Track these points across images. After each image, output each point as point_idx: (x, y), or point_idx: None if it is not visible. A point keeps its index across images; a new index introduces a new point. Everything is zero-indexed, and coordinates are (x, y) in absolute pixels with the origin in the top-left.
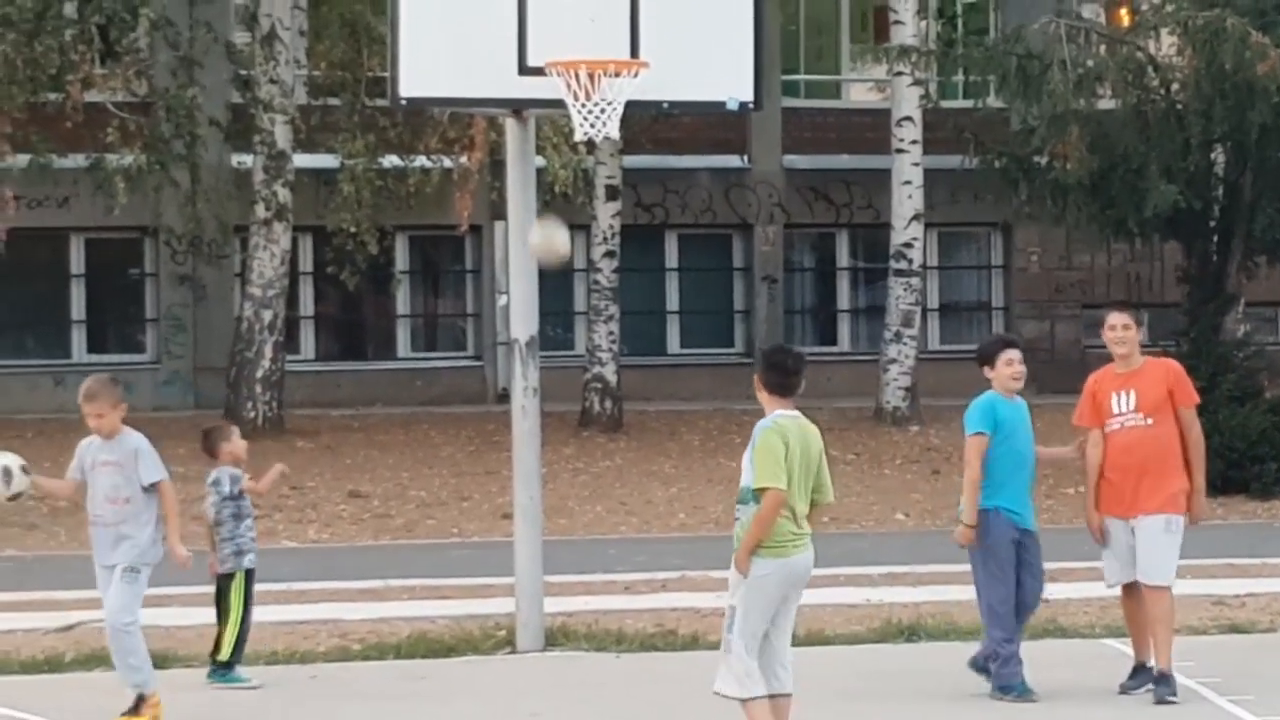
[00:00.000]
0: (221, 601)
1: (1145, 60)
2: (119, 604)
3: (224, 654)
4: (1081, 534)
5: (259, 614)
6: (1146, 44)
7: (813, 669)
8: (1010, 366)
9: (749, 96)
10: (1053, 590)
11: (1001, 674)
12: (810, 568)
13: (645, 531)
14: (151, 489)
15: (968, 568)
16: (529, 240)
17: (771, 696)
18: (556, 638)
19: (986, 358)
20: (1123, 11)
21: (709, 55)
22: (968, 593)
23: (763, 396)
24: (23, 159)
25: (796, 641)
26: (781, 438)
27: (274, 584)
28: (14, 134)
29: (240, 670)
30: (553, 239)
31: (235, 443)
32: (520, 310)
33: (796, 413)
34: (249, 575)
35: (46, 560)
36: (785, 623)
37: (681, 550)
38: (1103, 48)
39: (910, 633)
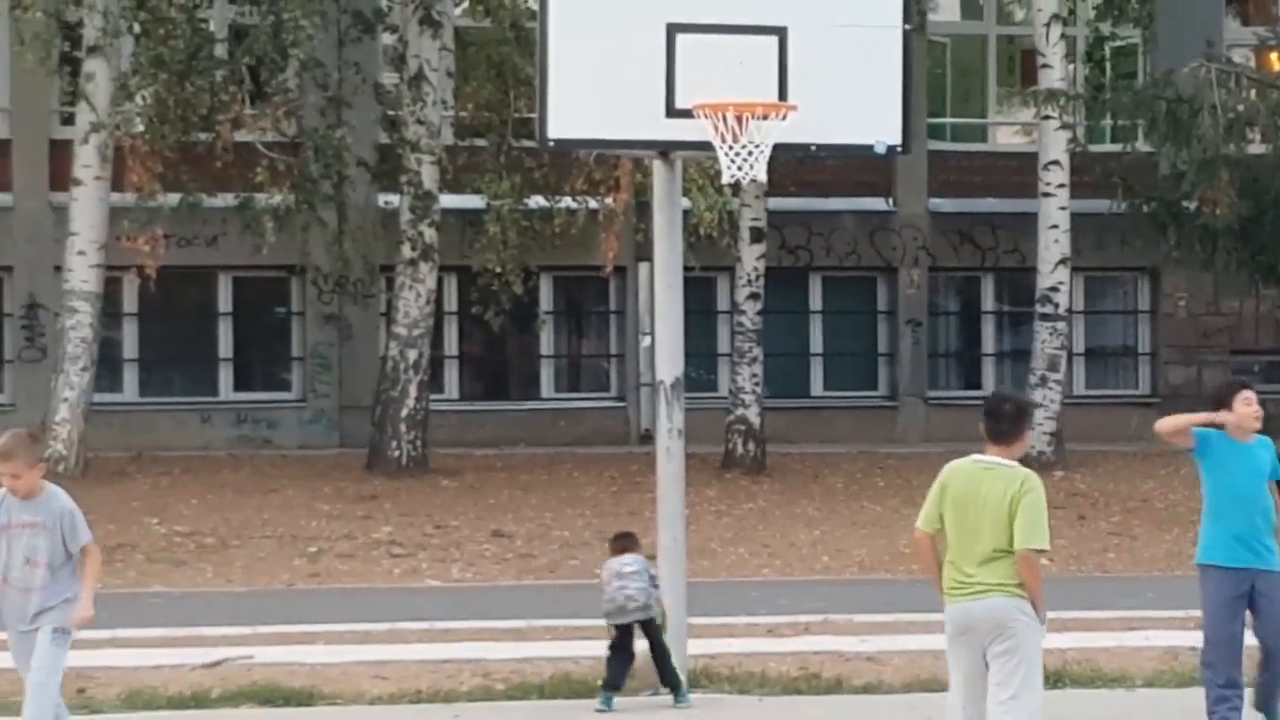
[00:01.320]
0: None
1: None
2: (50, 664)
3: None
4: None
5: (404, 652)
6: None
7: None
8: (1249, 406)
9: (897, 140)
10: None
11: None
12: (985, 617)
13: (788, 574)
14: (78, 551)
15: (1115, 614)
16: None
17: None
18: (699, 679)
19: (1223, 399)
20: (1273, 56)
21: (857, 98)
22: (1114, 639)
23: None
24: (173, 198)
25: (939, 685)
26: (941, 481)
27: (418, 623)
28: (165, 173)
29: None
30: None
31: None
32: (665, 352)
33: (997, 460)
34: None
35: (193, 596)
36: (992, 674)
37: (824, 593)
38: (1253, 92)
39: (1056, 679)
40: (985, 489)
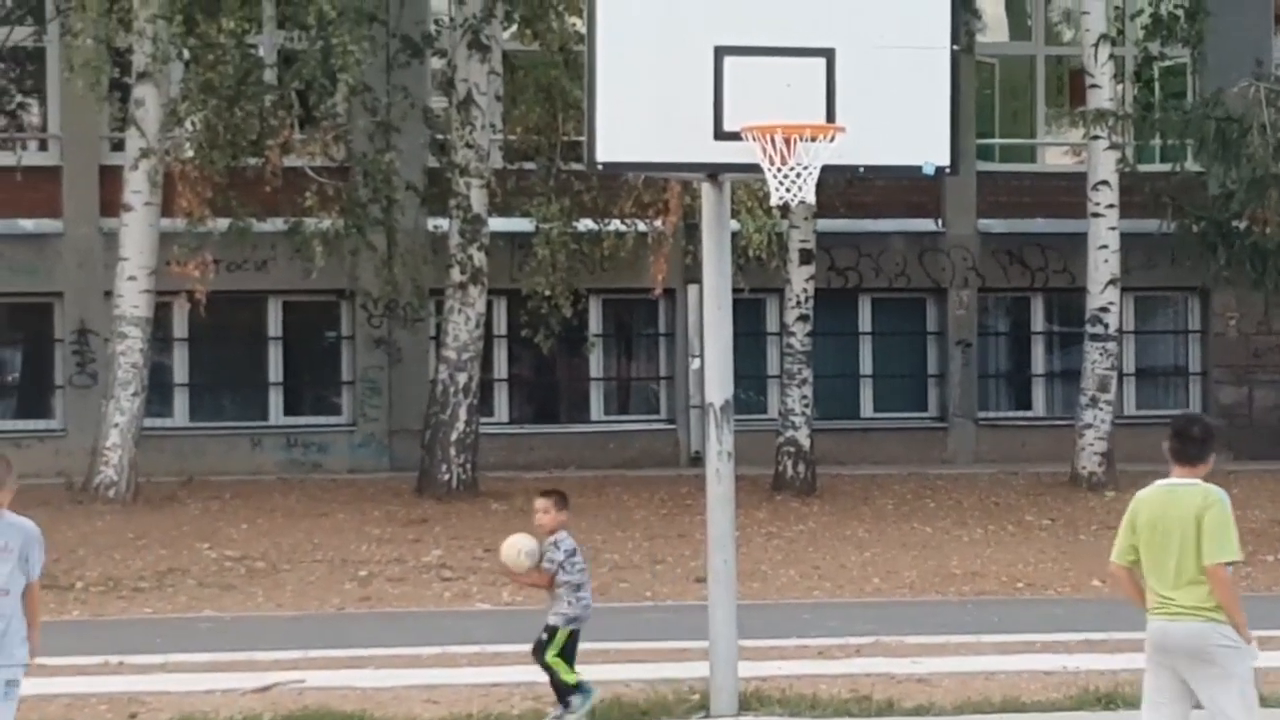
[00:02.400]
0: None
1: None
2: None
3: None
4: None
5: (455, 675)
6: None
7: None
8: None
9: (945, 161)
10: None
11: None
12: (1182, 641)
13: (838, 596)
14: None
15: None
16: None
17: None
18: (750, 702)
19: None
20: None
21: (905, 119)
22: None
23: (1169, 461)
24: (223, 223)
25: (991, 707)
26: (1131, 510)
27: (468, 646)
28: (214, 198)
29: None
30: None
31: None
32: (715, 374)
33: (1182, 481)
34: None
35: (244, 621)
36: (1204, 703)
37: (875, 615)
38: None
39: (1108, 701)
40: (1174, 511)
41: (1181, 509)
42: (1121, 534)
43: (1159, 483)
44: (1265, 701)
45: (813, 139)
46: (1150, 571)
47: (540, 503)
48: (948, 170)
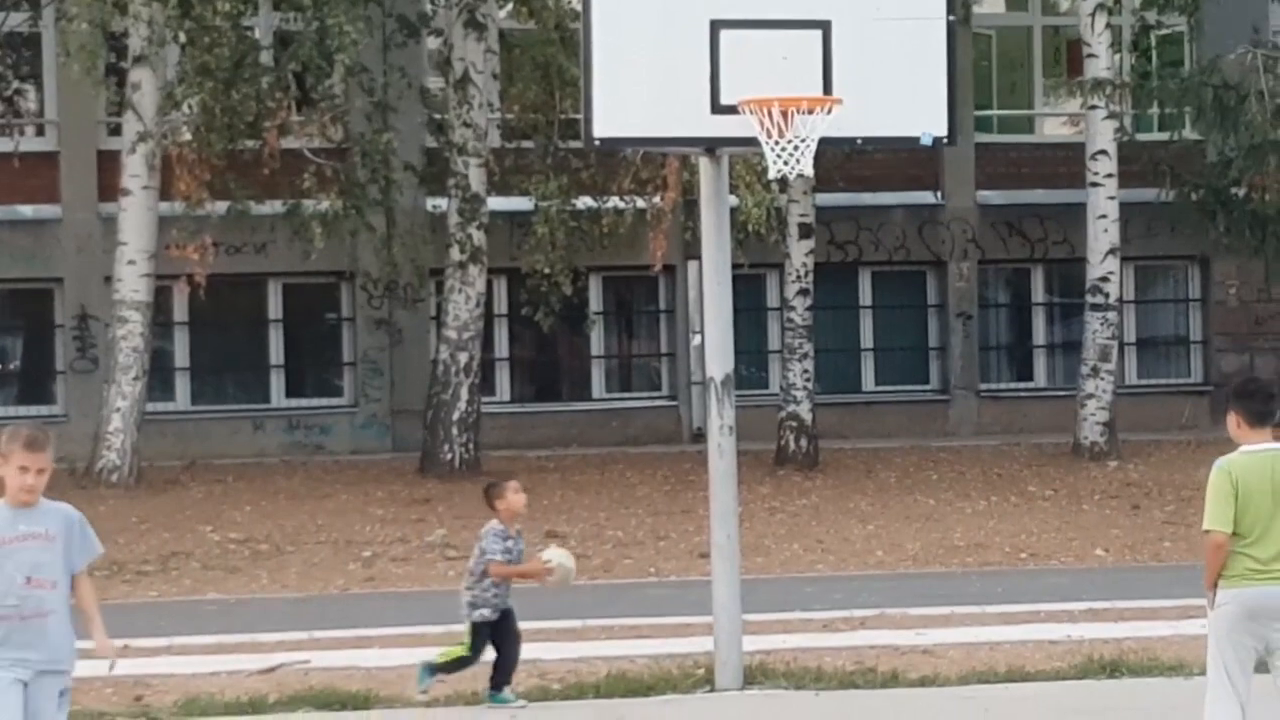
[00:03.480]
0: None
1: None
2: None
3: (437, 659)
4: None
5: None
6: None
7: (1015, 705)
8: None
9: (943, 131)
10: None
11: None
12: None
13: (842, 569)
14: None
15: (1172, 603)
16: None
17: None
18: (755, 676)
19: None
20: None
21: (902, 90)
22: (1171, 628)
23: (1236, 430)
24: (221, 206)
25: (996, 677)
26: (1230, 477)
27: None
28: (213, 181)
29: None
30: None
31: (510, 502)
32: (715, 349)
33: (1271, 445)
34: (479, 627)
35: (248, 603)
36: None
37: (879, 587)
38: None
39: (1113, 669)
40: (1277, 475)
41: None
42: (1229, 502)
43: (1255, 447)
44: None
45: (810, 111)
46: (1252, 536)
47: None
48: (945, 141)
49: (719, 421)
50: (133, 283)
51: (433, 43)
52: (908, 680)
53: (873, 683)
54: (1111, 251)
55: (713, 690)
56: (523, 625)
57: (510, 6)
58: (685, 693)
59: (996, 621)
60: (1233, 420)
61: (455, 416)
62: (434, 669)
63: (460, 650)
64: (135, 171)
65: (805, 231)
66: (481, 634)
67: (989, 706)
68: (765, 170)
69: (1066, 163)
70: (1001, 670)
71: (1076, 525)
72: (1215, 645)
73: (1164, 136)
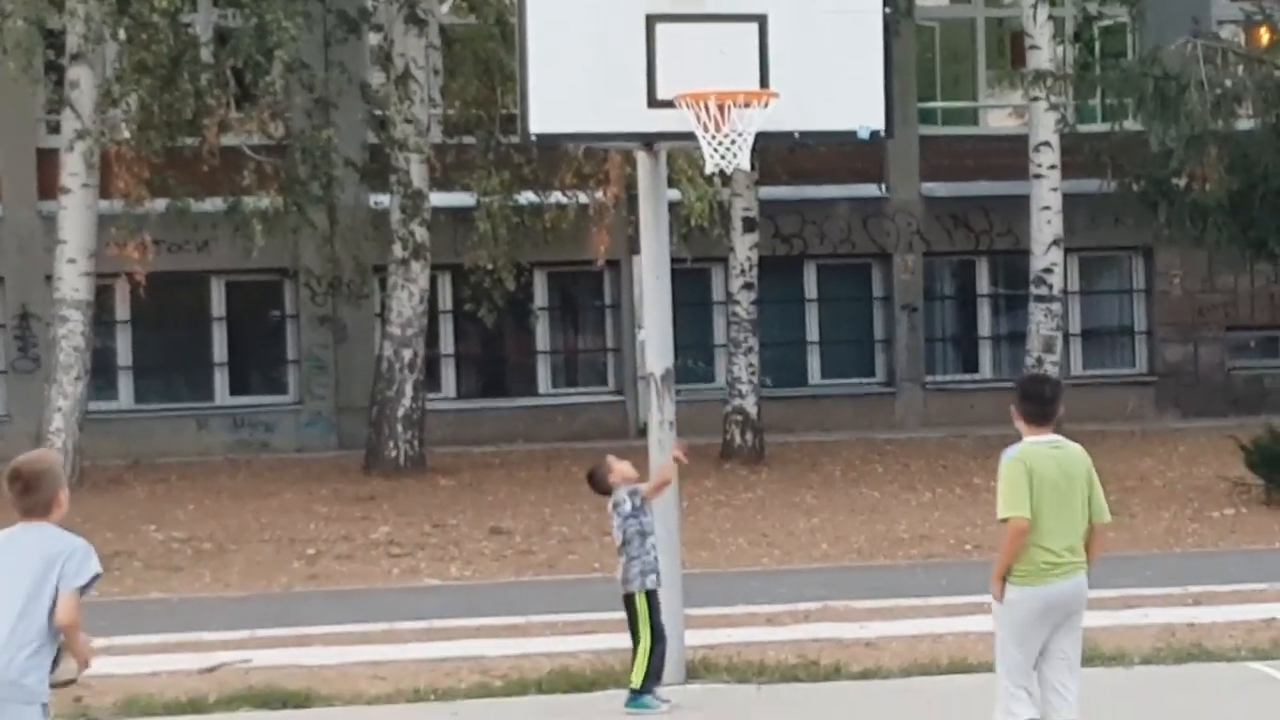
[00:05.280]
0: (632, 625)
1: None
2: None
3: (634, 680)
4: (1229, 557)
5: (402, 651)
6: None
7: (957, 697)
8: None
9: (880, 125)
10: (1198, 614)
11: None
12: (1076, 593)
13: (787, 563)
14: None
15: (1113, 592)
16: None
17: None
18: (698, 670)
19: None
20: (1261, 31)
21: (839, 84)
22: (1112, 617)
23: (1019, 425)
24: (161, 203)
25: (938, 669)
26: (1025, 467)
27: (416, 622)
28: (152, 179)
29: (651, 698)
30: None
31: (618, 468)
32: (656, 344)
33: (1055, 438)
34: (652, 596)
35: (191, 602)
36: (1060, 649)
37: (824, 581)
38: (1240, 68)
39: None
40: (1066, 468)
41: (1074, 465)
42: (1024, 490)
43: (1040, 439)
44: (1212, 656)
45: (746, 105)
46: (1048, 528)
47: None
48: (883, 134)
49: (659, 416)
50: (73, 281)
51: (373, 38)
52: (850, 673)
53: (815, 676)
54: (1055, 243)
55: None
56: (465, 622)
57: (450, 2)
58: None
59: (940, 614)
60: (1016, 417)
61: (400, 413)
62: (642, 690)
63: (643, 642)
64: (74, 169)
65: (749, 225)
66: (654, 604)
67: (931, 699)
68: (705, 164)
69: (1011, 154)
70: (944, 662)
71: None
72: (1007, 640)
73: (1106, 128)
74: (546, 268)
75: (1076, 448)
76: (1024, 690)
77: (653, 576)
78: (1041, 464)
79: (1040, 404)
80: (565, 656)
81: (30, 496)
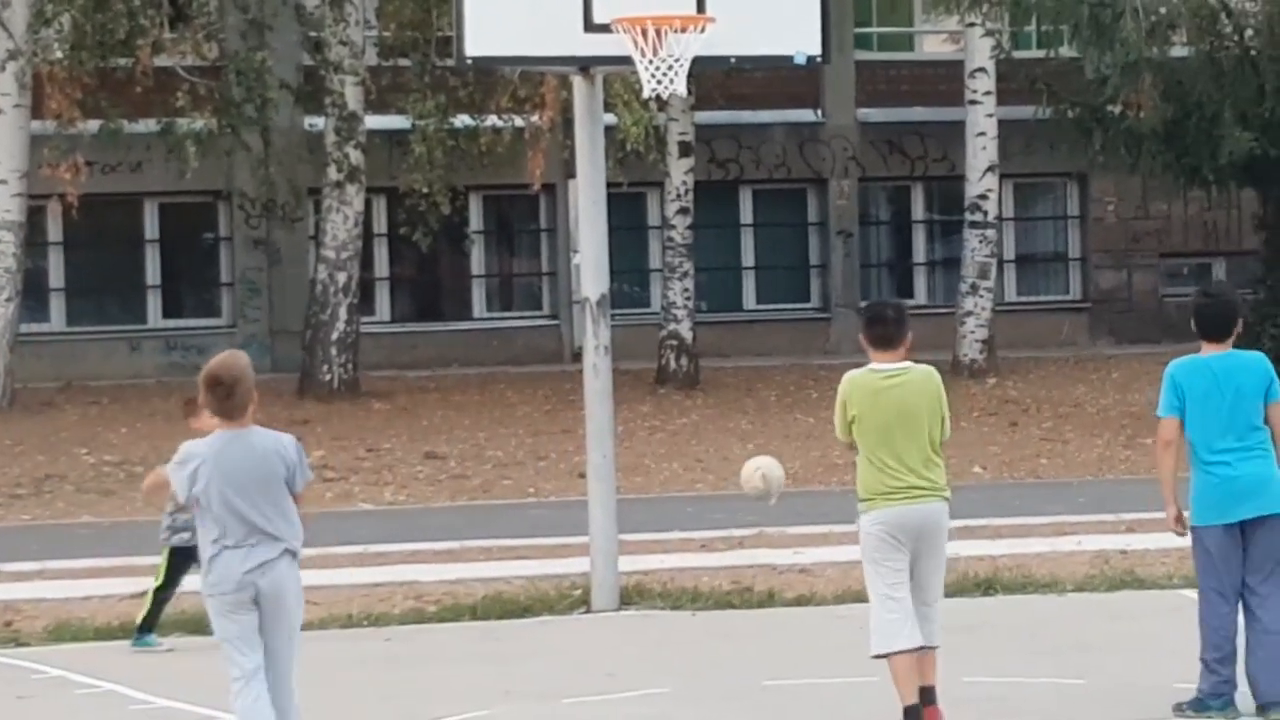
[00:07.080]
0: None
1: (1218, 6)
2: None
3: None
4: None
5: (335, 576)
6: None
7: None
8: None
9: (816, 50)
10: (1131, 541)
11: None
12: (929, 517)
13: (722, 489)
14: None
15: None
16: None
17: (916, 650)
18: (632, 596)
19: None
20: None
21: (775, 9)
22: (1046, 544)
23: (867, 350)
24: (93, 125)
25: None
26: (849, 389)
27: (350, 547)
28: (84, 100)
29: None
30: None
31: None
32: (591, 269)
33: (900, 364)
34: (173, 552)
35: (122, 526)
36: (922, 577)
37: (759, 507)
38: None
39: (986, 586)
40: (905, 391)
41: (912, 389)
42: (843, 411)
43: (881, 367)
44: (1144, 583)
45: (683, 30)
46: (886, 450)
47: None
48: (819, 59)
49: (594, 341)
50: (4, 202)
51: None
52: (784, 600)
53: (749, 602)
54: (990, 169)
55: (589, 611)
56: (397, 546)
57: None
58: (562, 614)
59: None
60: (863, 342)
61: (334, 337)
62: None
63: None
64: (6, 90)
65: (685, 150)
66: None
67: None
68: (643, 89)
69: (946, 80)
70: None
71: (955, 443)
72: (866, 570)
73: (1042, 54)
74: (482, 191)
75: (922, 371)
76: (897, 617)
77: (179, 536)
78: (869, 388)
79: (884, 327)
80: (499, 582)
81: (232, 400)
